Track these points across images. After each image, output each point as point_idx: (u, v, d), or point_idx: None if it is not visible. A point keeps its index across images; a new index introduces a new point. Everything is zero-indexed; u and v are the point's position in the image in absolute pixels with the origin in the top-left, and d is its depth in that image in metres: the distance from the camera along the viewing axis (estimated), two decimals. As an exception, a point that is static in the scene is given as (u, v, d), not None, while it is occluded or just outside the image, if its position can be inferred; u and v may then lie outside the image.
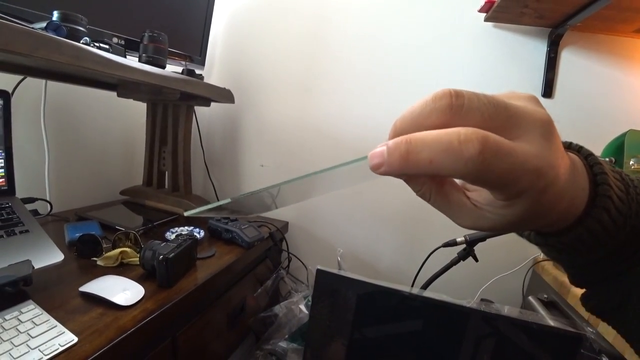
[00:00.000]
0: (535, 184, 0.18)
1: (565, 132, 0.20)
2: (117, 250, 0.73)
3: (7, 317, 0.51)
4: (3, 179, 0.76)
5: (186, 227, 0.95)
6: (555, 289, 0.90)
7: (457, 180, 0.24)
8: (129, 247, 0.76)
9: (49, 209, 0.95)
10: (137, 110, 1.21)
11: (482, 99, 0.18)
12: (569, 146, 0.25)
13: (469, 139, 0.17)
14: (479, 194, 0.22)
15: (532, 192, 0.19)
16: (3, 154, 0.76)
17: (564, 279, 0.89)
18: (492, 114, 0.18)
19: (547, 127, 0.19)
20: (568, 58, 1.04)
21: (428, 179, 0.22)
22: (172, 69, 0.96)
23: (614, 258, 0.24)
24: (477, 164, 0.17)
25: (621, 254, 0.24)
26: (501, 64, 1.07)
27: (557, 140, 0.19)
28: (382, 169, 0.19)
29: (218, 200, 1.30)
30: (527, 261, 1.08)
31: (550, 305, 0.90)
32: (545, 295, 0.92)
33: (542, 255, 1.06)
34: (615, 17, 0.89)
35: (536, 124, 0.19)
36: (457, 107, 0.18)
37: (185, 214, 0.24)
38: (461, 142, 0.17)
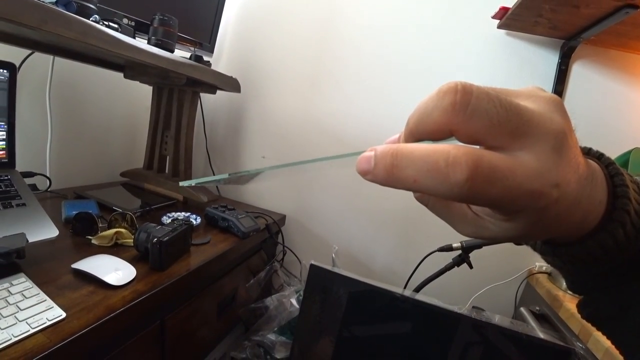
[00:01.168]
0: (534, 204, 0.17)
1: None
2: (112, 231, 0.73)
3: (-3, 288, 0.51)
4: (4, 152, 0.76)
5: (183, 213, 0.95)
6: (548, 302, 0.90)
7: None
8: (124, 228, 0.76)
9: (47, 184, 0.95)
10: (142, 93, 1.21)
11: (493, 99, 0.16)
12: (588, 152, 0.24)
13: (458, 162, 0.15)
14: (482, 208, 0.21)
15: (531, 211, 0.17)
16: (5, 127, 0.76)
17: (557, 292, 0.88)
18: (502, 120, 0.16)
19: (560, 139, 0.17)
20: (579, 71, 1.03)
21: None
22: (181, 54, 0.96)
23: (619, 269, 0.23)
24: (463, 190, 0.15)
25: (627, 266, 0.23)
26: (511, 72, 1.07)
27: (570, 152, 0.18)
28: (368, 177, 0.18)
29: (217, 188, 1.30)
30: (521, 272, 1.07)
31: (542, 318, 0.90)
32: (538, 308, 0.92)
33: (536, 267, 1.05)
34: (629, 33, 0.88)
35: (549, 135, 0.17)
36: (461, 106, 0.16)
37: (181, 184, 0.24)
38: (448, 165, 0.15)
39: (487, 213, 0.20)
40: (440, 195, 0.17)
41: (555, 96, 0.19)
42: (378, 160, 0.18)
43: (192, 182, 0.23)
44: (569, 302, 0.82)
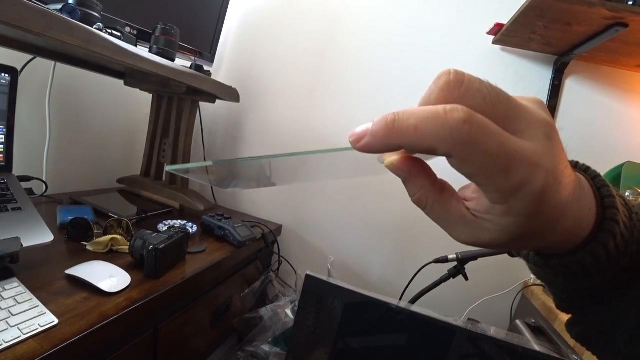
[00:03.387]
0: (532, 179, 0.17)
1: None
2: (108, 237, 0.72)
3: (-11, 292, 0.50)
4: (1, 155, 0.76)
5: (179, 221, 0.95)
6: (544, 315, 0.90)
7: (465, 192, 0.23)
8: (120, 234, 0.76)
9: (44, 189, 0.94)
10: (142, 100, 1.22)
11: (484, 82, 0.18)
12: (575, 165, 0.24)
13: (455, 108, 0.16)
14: (478, 202, 0.21)
15: (530, 191, 0.17)
16: (4, 130, 0.76)
17: (553, 305, 0.88)
18: (494, 100, 0.18)
19: (550, 129, 0.18)
20: (572, 86, 1.05)
21: (428, 182, 0.21)
22: (181, 63, 0.97)
23: (608, 285, 0.23)
24: (462, 134, 0.16)
25: (615, 281, 0.23)
26: (506, 86, 1.04)
27: (560, 146, 0.19)
28: (364, 140, 0.19)
29: (215, 199, 1.30)
30: (517, 284, 1.07)
31: (537, 331, 0.90)
32: (533, 320, 0.92)
33: (532, 280, 1.06)
34: (620, 50, 0.91)
35: (540, 123, 0.18)
36: (455, 84, 0.18)
37: (167, 168, 0.23)
38: (447, 112, 0.17)
39: (486, 209, 0.20)
40: (440, 143, 0.17)
41: (538, 98, 0.20)
42: (378, 120, 0.18)
43: (179, 167, 0.23)
44: (565, 315, 0.82)
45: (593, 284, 0.23)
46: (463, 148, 0.17)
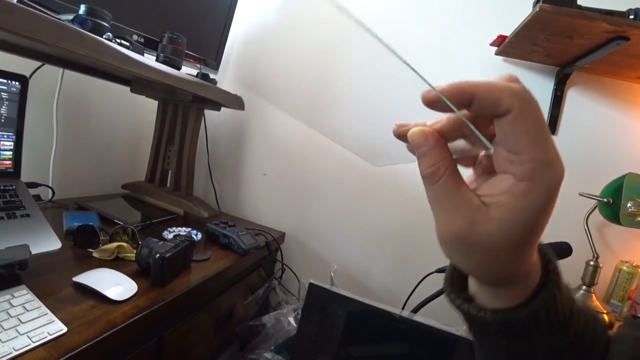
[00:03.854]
0: (561, 165, 0.21)
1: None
2: (114, 244, 0.73)
3: (-1, 299, 0.51)
4: (10, 162, 0.76)
5: (184, 228, 0.95)
6: (546, 325, 0.90)
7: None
8: (126, 241, 0.76)
9: (50, 195, 0.95)
10: (147, 107, 1.23)
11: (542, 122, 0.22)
12: None
13: (516, 79, 0.23)
14: (493, 185, 0.22)
15: (555, 175, 0.20)
16: (13, 137, 0.76)
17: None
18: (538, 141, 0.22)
19: (557, 186, 0.21)
20: (574, 97, 1.06)
21: (449, 154, 0.23)
22: (187, 70, 0.98)
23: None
24: (524, 93, 0.21)
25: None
26: (508, 97, 1.10)
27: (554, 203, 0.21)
28: (442, 86, 0.22)
29: (218, 206, 1.30)
30: (519, 294, 1.07)
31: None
32: (535, 330, 0.92)
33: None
34: (621, 62, 0.91)
35: (556, 179, 0.21)
36: (527, 93, 0.22)
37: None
38: (512, 79, 0.23)
39: (504, 188, 0.21)
40: (505, 99, 0.20)
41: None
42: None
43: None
44: (567, 326, 0.83)
45: (539, 352, 0.25)
46: (523, 104, 0.20)
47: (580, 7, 0.76)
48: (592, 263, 0.92)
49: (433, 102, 0.22)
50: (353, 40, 1.22)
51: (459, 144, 0.26)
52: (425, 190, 0.23)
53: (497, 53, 1.06)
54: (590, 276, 0.91)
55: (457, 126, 0.24)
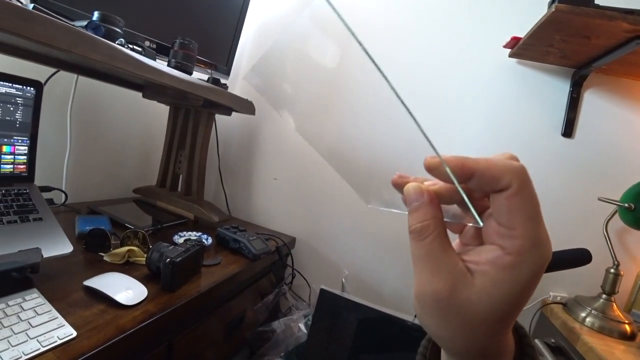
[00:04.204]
0: (550, 248, 0.21)
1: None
2: (125, 248, 0.73)
3: (10, 302, 0.51)
4: (24, 166, 0.77)
5: (194, 233, 0.95)
6: (564, 334, 0.87)
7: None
8: (136, 246, 0.76)
9: (63, 199, 0.96)
10: (159, 112, 1.24)
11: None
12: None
13: (515, 157, 0.22)
14: (481, 253, 0.22)
15: (543, 255, 0.20)
16: (28, 142, 0.77)
17: (574, 324, 0.86)
18: (533, 226, 0.22)
19: (541, 269, 0.22)
20: (590, 99, 1.03)
21: (441, 215, 0.23)
22: (198, 76, 0.98)
23: None
24: (523, 171, 0.21)
25: None
26: (523, 100, 1.07)
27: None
28: (447, 157, 0.22)
29: (229, 211, 1.30)
30: (534, 302, 1.04)
31: (557, 351, 0.87)
32: (553, 340, 0.89)
33: (550, 297, 1.03)
34: (640, 62, 0.89)
35: (542, 260, 0.22)
36: (525, 174, 0.22)
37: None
38: (512, 157, 0.22)
39: (491, 258, 0.21)
40: (505, 176, 0.21)
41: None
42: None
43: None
44: (587, 335, 0.80)
45: None
46: (522, 182, 0.20)
47: (597, 6, 0.74)
48: (612, 270, 0.89)
49: (434, 168, 0.23)
50: (367, 43, 1.21)
51: (452, 208, 0.26)
52: (410, 246, 0.24)
53: (510, 55, 1.05)
54: (611, 284, 0.88)
55: (453, 193, 0.24)
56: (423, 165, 0.23)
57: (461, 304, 0.21)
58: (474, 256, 0.22)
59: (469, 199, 0.23)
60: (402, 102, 0.25)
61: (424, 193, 0.23)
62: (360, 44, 0.24)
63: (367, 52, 0.24)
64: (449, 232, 0.25)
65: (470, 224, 0.26)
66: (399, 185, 0.25)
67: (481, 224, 0.23)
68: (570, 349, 0.83)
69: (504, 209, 0.21)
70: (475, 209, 0.23)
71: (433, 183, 0.25)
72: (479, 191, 0.23)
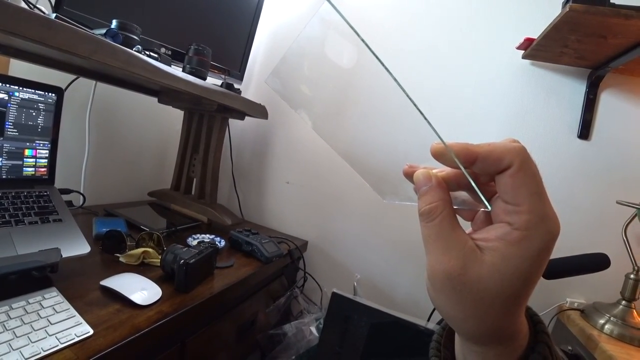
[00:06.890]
0: (556, 221, 0.21)
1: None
2: (140, 250, 0.74)
3: (30, 300, 0.53)
4: (45, 169, 0.80)
5: (208, 235, 0.96)
6: (582, 342, 0.84)
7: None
8: (151, 247, 0.78)
9: (82, 201, 0.99)
10: (173, 117, 1.27)
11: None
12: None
13: (515, 140, 0.23)
14: (489, 230, 0.22)
15: (550, 229, 0.21)
16: (49, 145, 0.80)
17: (592, 331, 0.83)
18: (538, 198, 0.22)
19: (553, 240, 0.22)
20: (608, 100, 1.01)
21: (449, 198, 0.24)
22: (212, 81, 1.00)
23: None
24: (524, 152, 0.22)
25: None
26: (538, 102, 1.06)
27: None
28: (451, 143, 0.23)
29: (242, 214, 1.31)
30: (551, 308, 1.02)
31: (575, 359, 0.84)
32: (570, 347, 0.87)
33: (567, 303, 1.00)
34: (660, 63, 0.87)
35: (552, 233, 0.22)
36: (525, 153, 0.23)
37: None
38: (512, 140, 0.23)
39: (500, 234, 0.22)
40: (506, 156, 0.21)
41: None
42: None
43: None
44: (606, 343, 0.77)
45: None
46: (523, 160, 0.21)
47: (613, 5, 0.72)
48: (632, 276, 0.86)
49: (440, 154, 0.23)
50: (380, 45, 1.21)
51: (461, 195, 0.27)
52: (420, 230, 0.24)
53: (524, 57, 1.03)
54: (631, 290, 0.86)
55: (460, 178, 0.25)
56: (429, 152, 0.24)
57: (473, 281, 0.21)
58: (483, 234, 0.23)
59: (475, 182, 0.23)
60: (404, 91, 0.27)
61: (432, 177, 0.24)
62: (367, 45, 0.24)
63: (372, 52, 0.25)
64: (461, 220, 0.25)
65: (480, 210, 0.27)
66: (409, 175, 0.26)
67: (489, 207, 0.24)
68: (588, 357, 0.81)
69: (509, 186, 0.21)
70: (482, 193, 0.23)
71: (441, 170, 0.25)
72: (484, 175, 0.24)
